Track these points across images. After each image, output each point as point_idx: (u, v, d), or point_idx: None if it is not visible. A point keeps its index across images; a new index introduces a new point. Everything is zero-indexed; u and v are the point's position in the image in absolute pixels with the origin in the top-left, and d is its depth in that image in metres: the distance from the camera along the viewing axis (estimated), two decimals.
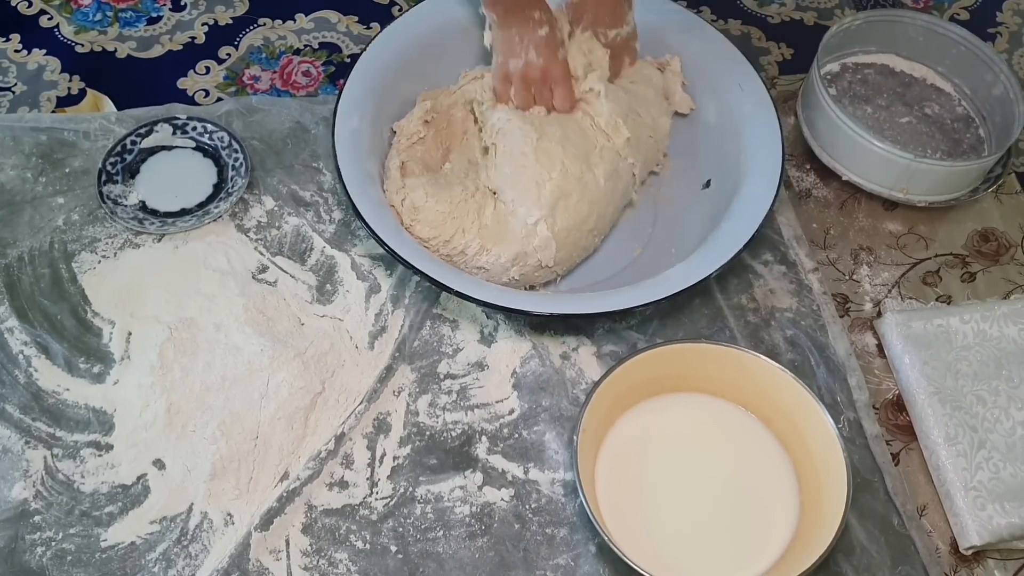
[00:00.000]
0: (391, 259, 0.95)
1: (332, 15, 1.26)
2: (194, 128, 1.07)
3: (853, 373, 0.97)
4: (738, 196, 1.01)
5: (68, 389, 0.92)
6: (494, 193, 0.99)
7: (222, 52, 1.21)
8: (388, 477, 0.89)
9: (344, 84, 1.02)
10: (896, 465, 0.93)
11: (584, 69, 1.04)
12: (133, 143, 1.06)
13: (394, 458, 0.90)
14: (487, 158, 1.02)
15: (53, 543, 0.84)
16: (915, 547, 0.88)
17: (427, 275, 0.91)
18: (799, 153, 1.14)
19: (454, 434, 0.91)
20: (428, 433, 0.91)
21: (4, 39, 1.20)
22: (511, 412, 0.93)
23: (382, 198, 0.98)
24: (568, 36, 1.04)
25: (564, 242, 0.98)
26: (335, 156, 0.96)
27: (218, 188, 1.04)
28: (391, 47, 1.06)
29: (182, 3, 1.25)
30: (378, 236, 0.92)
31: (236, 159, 1.05)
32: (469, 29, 1.09)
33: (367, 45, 1.06)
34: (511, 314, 0.96)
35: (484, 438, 0.91)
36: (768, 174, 0.99)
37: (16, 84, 1.16)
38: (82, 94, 1.15)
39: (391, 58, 1.06)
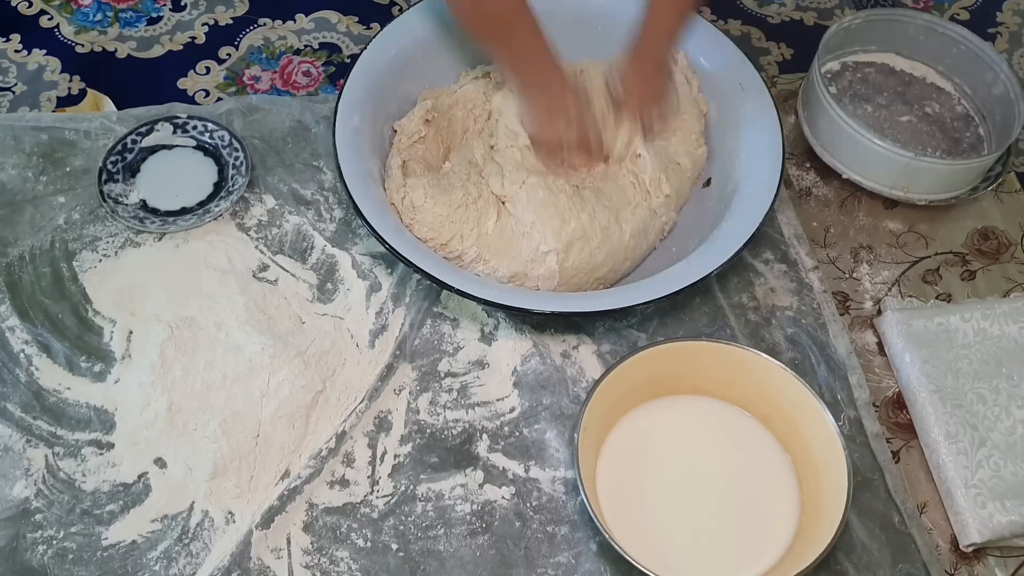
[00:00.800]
0: (392, 258, 0.95)
1: (332, 15, 1.26)
2: (195, 127, 1.07)
3: (853, 371, 0.97)
4: (739, 194, 1.01)
5: (69, 388, 0.92)
6: (503, 203, 0.98)
7: (222, 52, 1.21)
8: (389, 475, 0.89)
9: (345, 83, 1.02)
10: (896, 463, 0.93)
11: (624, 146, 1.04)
12: (134, 142, 1.06)
13: (395, 456, 0.90)
14: (496, 162, 1.01)
15: (54, 541, 0.84)
16: (915, 545, 0.88)
17: (428, 273, 0.91)
18: (799, 152, 1.14)
19: (455, 432, 0.92)
20: (429, 431, 0.91)
21: (4, 39, 1.20)
22: (512, 410, 0.93)
23: (383, 197, 0.98)
24: (611, 114, 1.04)
25: (568, 281, 0.97)
26: (336, 154, 0.96)
27: (219, 187, 1.04)
28: (392, 46, 1.06)
29: (182, 3, 1.25)
30: (378, 234, 0.92)
31: (237, 158, 1.06)
32: None
33: (368, 44, 1.06)
34: (512, 312, 0.96)
35: (485, 436, 0.91)
36: (768, 173, 0.99)
37: (16, 84, 1.16)
38: (82, 94, 1.16)
39: (392, 57, 1.05)
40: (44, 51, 1.19)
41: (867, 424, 0.94)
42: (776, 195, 0.97)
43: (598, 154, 1.02)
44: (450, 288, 0.90)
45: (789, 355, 0.98)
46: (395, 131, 1.05)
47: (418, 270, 0.91)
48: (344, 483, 0.88)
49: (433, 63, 1.09)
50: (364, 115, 1.01)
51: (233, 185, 1.04)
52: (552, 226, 0.96)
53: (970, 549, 0.88)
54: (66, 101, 1.15)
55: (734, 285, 1.02)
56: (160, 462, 0.88)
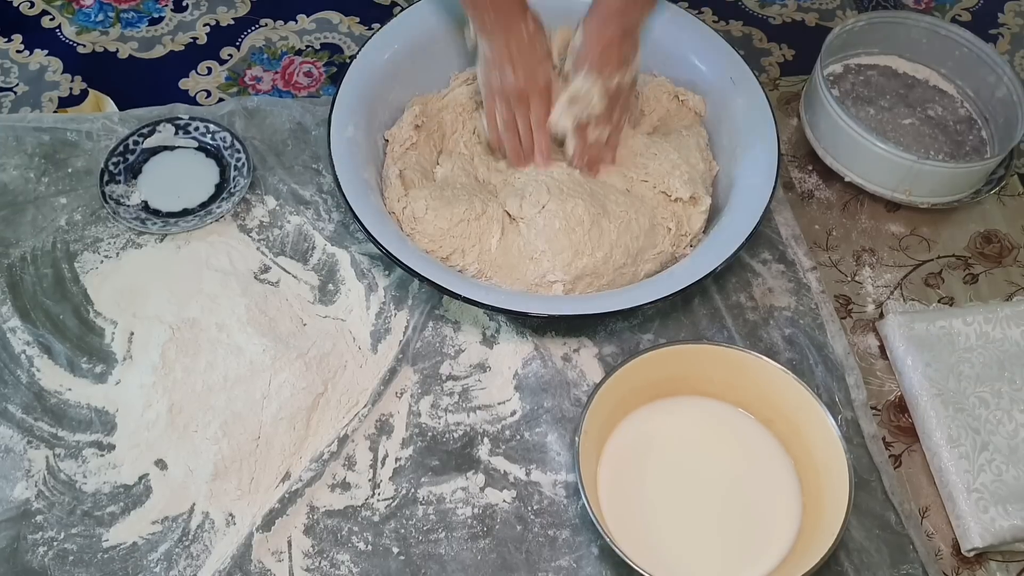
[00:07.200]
0: (389, 259, 0.94)
1: (334, 16, 1.26)
2: (196, 128, 1.07)
3: (851, 372, 0.97)
4: (735, 191, 1.01)
5: (70, 389, 0.92)
6: (510, 220, 0.97)
7: (224, 53, 1.21)
8: (390, 478, 0.89)
9: (336, 94, 1.01)
10: (898, 467, 0.93)
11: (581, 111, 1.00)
12: (135, 143, 1.06)
13: (396, 459, 0.90)
14: (513, 184, 1.00)
15: (55, 543, 0.84)
16: (913, 546, 0.88)
17: (430, 280, 0.90)
18: (802, 154, 1.14)
19: (456, 435, 0.91)
20: (430, 434, 0.91)
21: (6, 39, 1.20)
22: (513, 413, 0.93)
23: (382, 206, 0.98)
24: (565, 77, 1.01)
25: None
26: (333, 165, 0.96)
27: (220, 188, 1.04)
28: (380, 54, 1.05)
29: (184, 4, 1.25)
30: (381, 245, 0.91)
31: (238, 159, 1.05)
32: (457, 32, 1.08)
33: (356, 53, 1.05)
34: (513, 316, 0.96)
35: (486, 439, 0.91)
36: (764, 168, 0.99)
37: (18, 84, 1.16)
38: (84, 94, 1.15)
39: (381, 65, 1.05)
40: (46, 51, 1.19)
41: (864, 425, 0.94)
42: (774, 189, 0.97)
43: (544, 112, 0.98)
44: (452, 294, 0.90)
45: (787, 355, 0.97)
46: (387, 141, 1.05)
47: (420, 277, 0.91)
48: (345, 486, 0.88)
49: (422, 69, 1.08)
50: (357, 125, 1.00)
51: (235, 186, 1.04)
52: (563, 258, 0.95)
53: (972, 554, 0.88)
54: (68, 101, 1.15)
55: (732, 285, 1.02)
56: (161, 463, 0.88)
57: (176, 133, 1.07)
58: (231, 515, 0.86)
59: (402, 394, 0.93)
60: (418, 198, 0.98)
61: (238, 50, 1.21)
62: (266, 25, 1.24)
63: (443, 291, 0.91)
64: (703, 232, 1.02)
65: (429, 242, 0.96)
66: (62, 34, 1.21)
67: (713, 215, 1.01)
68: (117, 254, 1.00)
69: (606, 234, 0.96)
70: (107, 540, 0.84)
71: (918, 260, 1.08)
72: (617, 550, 0.79)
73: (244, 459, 0.87)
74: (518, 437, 0.92)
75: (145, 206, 1.03)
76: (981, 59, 1.14)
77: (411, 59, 1.07)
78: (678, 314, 1.00)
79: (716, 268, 0.93)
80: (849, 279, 1.06)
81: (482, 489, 0.89)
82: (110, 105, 1.14)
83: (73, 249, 1.00)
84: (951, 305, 1.04)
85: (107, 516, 0.85)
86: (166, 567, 0.83)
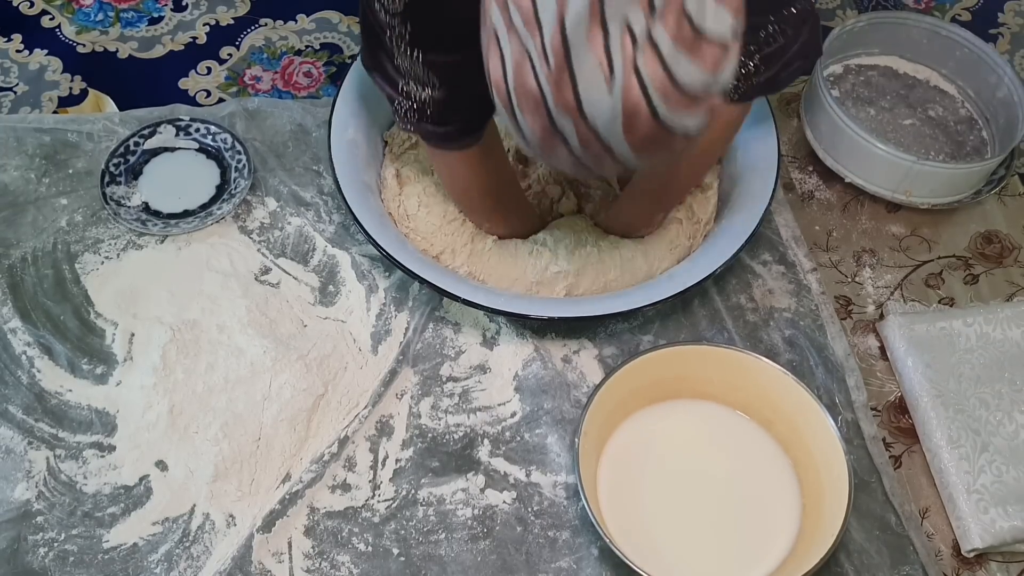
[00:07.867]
0: (389, 261, 0.94)
1: (333, 15, 1.26)
2: (197, 129, 1.07)
3: (851, 373, 0.97)
4: (736, 193, 1.01)
5: (71, 390, 0.92)
6: None
7: (223, 52, 1.21)
8: (390, 479, 0.89)
9: (336, 95, 1.01)
10: (899, 468, 0.93)
11: None
12: (136, 144, 1.06)
13: (396, 460, 0.90)
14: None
15: (55, 544, 0.84)
16: (913, 547, 0.88)
17: (430, 282, 0.90)
18: (802, 155, 1.14)
19: (456, 437, 0.91)
20: (430, 436, 0.91)
21: (6, 39, 1.20)
22: (513, 415, 0.93)
23: (382, 208, 0.98)
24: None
25: None
26: (333, 167, 0.96)
27: (221, 189, 1.04)
28: None
29: (183, 3, 1.25)
30: (381, 247, 0.91)
31: (239, 160, 1.05)
32: None
33: (357, 54, 1.05)
34: (513, 318, 0.96)
35: (486, 441, 0.91)
36: (764, 169, 0.99)
37: (18, 84, 1.16)
38: (84, 94, 1.15)
39: None
40: (46, 51, 1.19)
41: (864, 427, 0.94)
42: (774, 191, 0.97)
43: None
44: (452, 296, 0.90)
45: (787, 357, 0.97)
46: (386, 142, 1.05)
47: (420, 279, 0.91)
48: (346, 487, 0.88)
49: None
50: (358, 127, 1.01)
51: (235, 188, 1.04)
52: (565, 244, 0.95)
53: (972, 554, 0.88)
54: (67, 101, 1.15)
55: (732, 287, 1.02)
56: (161, 464, 0.88)
57: (177, 134, 1.07)
58: (231, 516, 0.86)
59: (402, 395, 0.93)
60: (411, 195, 0.98)
61: (238, 50, 1.21)
62: (266, 25, 1.24)
63: (443, 293, 0.91)
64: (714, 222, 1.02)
65: (422, 240, 0.97)
66: (62, 34, 1.21)
67: (714, 217, 1.01)
68: (118, 255, 1.00)
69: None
70: (107, 541, 0.84)
71: (918, 261, 1.08)
72: (617, 551, 0.79)
73: (244, 460, 0.87)
74: (518, 438, 0.92)
75: (146, 207, 1.03)
76: (982, 59, 1.14)
77: None
78: (678, 315, 1.00)
79: (716, 270, 0.93)
80: (849, 280, 1.05)
81: (482, 490, 0.89)
82: (110, 105, 1.14)
83: (74, 250, 1.00)
84: (951, 306, 1.04)
85: (107, 517, 0.85)
86: (167, 568, 0.83)
